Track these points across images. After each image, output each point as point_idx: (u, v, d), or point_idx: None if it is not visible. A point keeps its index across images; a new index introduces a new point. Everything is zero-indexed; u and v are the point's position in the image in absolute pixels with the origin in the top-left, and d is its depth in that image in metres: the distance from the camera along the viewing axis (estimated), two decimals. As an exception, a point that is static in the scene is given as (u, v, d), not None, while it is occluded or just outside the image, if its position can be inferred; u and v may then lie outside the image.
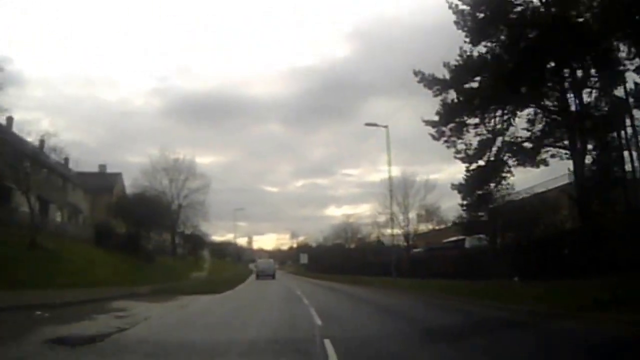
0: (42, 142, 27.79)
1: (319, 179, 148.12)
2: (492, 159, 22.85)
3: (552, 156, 22.61)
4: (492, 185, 23.12)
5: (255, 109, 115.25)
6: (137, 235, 37.77)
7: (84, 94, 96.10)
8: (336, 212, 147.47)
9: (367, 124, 28.85)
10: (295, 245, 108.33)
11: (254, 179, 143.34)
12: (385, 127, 28.57)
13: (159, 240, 53.34)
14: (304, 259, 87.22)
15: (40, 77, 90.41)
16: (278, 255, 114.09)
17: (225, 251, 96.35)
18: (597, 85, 20.98)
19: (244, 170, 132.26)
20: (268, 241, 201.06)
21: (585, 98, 21.03)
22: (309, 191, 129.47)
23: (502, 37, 21.51)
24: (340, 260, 66.56)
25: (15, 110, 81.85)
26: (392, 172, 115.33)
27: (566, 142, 21.74)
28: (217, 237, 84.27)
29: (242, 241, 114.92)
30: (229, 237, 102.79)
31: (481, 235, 27.47)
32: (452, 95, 22.55)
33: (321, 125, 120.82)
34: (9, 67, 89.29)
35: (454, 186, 24.20)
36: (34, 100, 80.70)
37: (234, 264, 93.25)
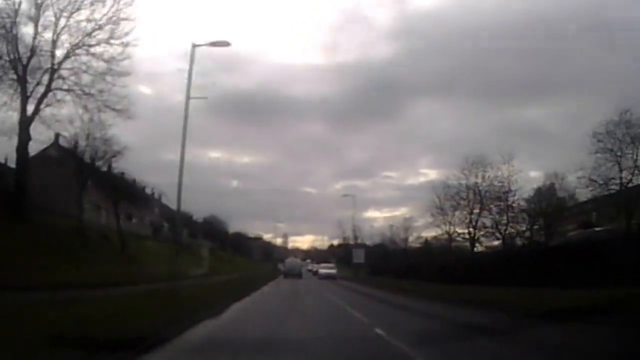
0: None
1: (359, 181, 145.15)
2: None
3: None
4: None
5: (296, 108, 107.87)
6: None
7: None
8: (376, 215, 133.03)
9: None
10: (335, 243, 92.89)
11: (294, 180, 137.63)
12: None
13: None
14: (358, 256, 60.39)
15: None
16: (313, 254, 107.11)
17: (247, 246, 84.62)
18: None
19: (283, 171, 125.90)
20: (306, 241, 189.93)
21: None
22: (348, 193, 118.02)
23: None
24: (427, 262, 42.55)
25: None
26: (432, 176, 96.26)
27: None
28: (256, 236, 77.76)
29: (279, 241, 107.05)
30: (267, 236, 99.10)
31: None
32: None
33: (362, 126, 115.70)
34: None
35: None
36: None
37: (256, 263, 79.71)
